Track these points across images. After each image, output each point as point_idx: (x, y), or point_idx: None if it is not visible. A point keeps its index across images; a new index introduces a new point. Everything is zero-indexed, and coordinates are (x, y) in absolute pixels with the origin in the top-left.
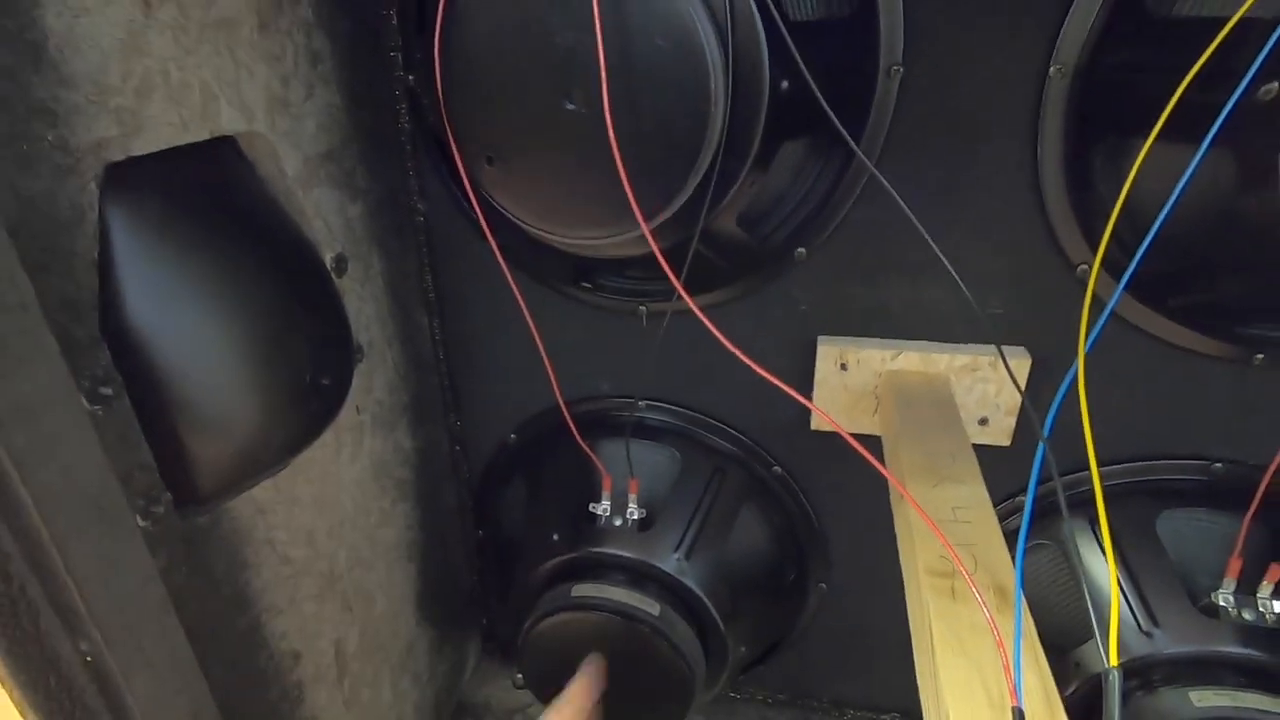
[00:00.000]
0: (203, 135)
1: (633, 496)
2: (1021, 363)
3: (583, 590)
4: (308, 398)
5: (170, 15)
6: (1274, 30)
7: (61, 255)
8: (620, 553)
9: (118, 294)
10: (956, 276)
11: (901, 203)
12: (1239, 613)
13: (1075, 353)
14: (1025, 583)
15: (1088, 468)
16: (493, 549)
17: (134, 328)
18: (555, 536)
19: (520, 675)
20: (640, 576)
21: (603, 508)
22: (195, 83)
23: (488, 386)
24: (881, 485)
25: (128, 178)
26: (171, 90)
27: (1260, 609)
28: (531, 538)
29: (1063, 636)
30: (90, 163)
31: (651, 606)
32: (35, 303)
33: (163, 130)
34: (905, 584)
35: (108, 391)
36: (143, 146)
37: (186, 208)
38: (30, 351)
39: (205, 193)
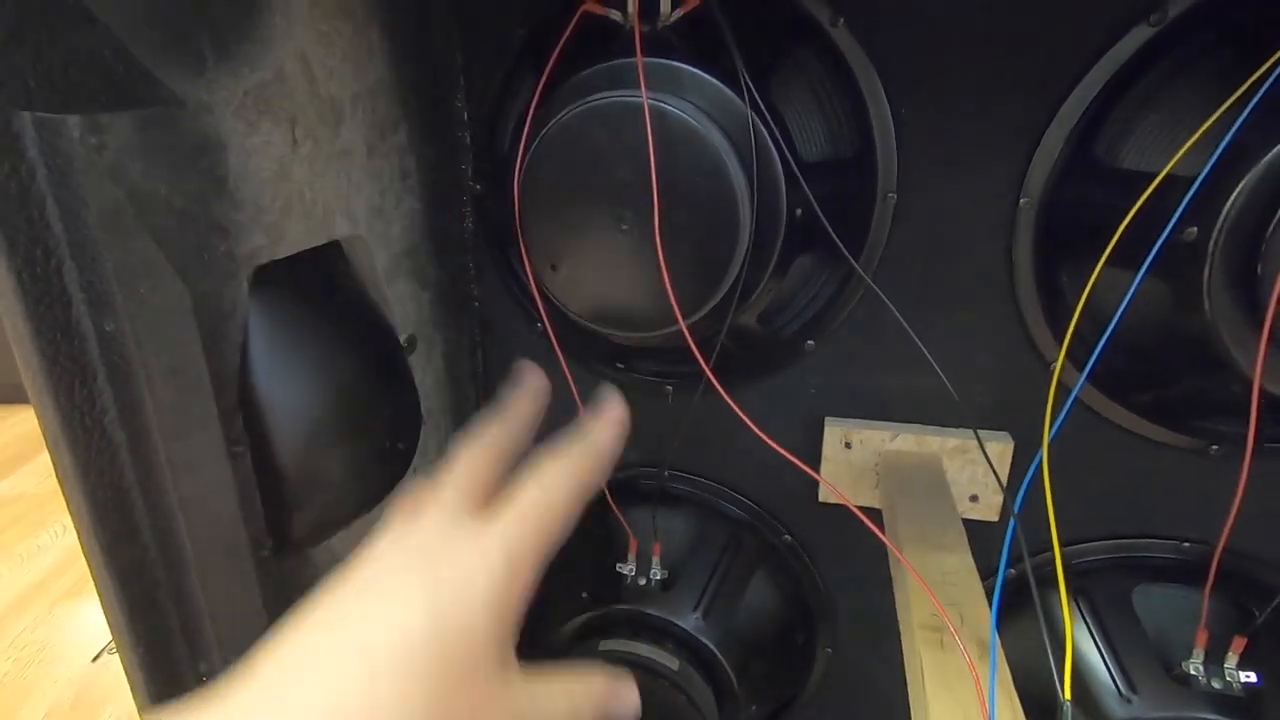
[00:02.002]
0: (321, 240)
1: (656, 559)
2: (1005, 446)
3: (608, 645)
4: (386, 460)
5: (308, 150)
6: (1192, 185)
7: (219, 340)
8: (644, 610)
9: (249, 370)
10: (941, 374)
11: (894, 310)
12: (1209, 682)
13: (1052, 439)
14: (1017, 651)
15: (1065, 543)
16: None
17: (259, 398)
18: (584, 593)
19: None
20: (661, 633)
21: (629, 568)
22: (320, 200)
23: None
24: (880, 554)
25: (266, 277)
26: (305, 208)
27: (1228, 678)
28: (560, 594)
29: (1045, 700)
30: (246, 267)
31: (671, 661)
32: (207, 378)
33: (296, 239)
34: (902, 636)
35: (239, 450)
36: (281, 252)
37: (303, 298)
38: (200, 417)
39: (316, 286)
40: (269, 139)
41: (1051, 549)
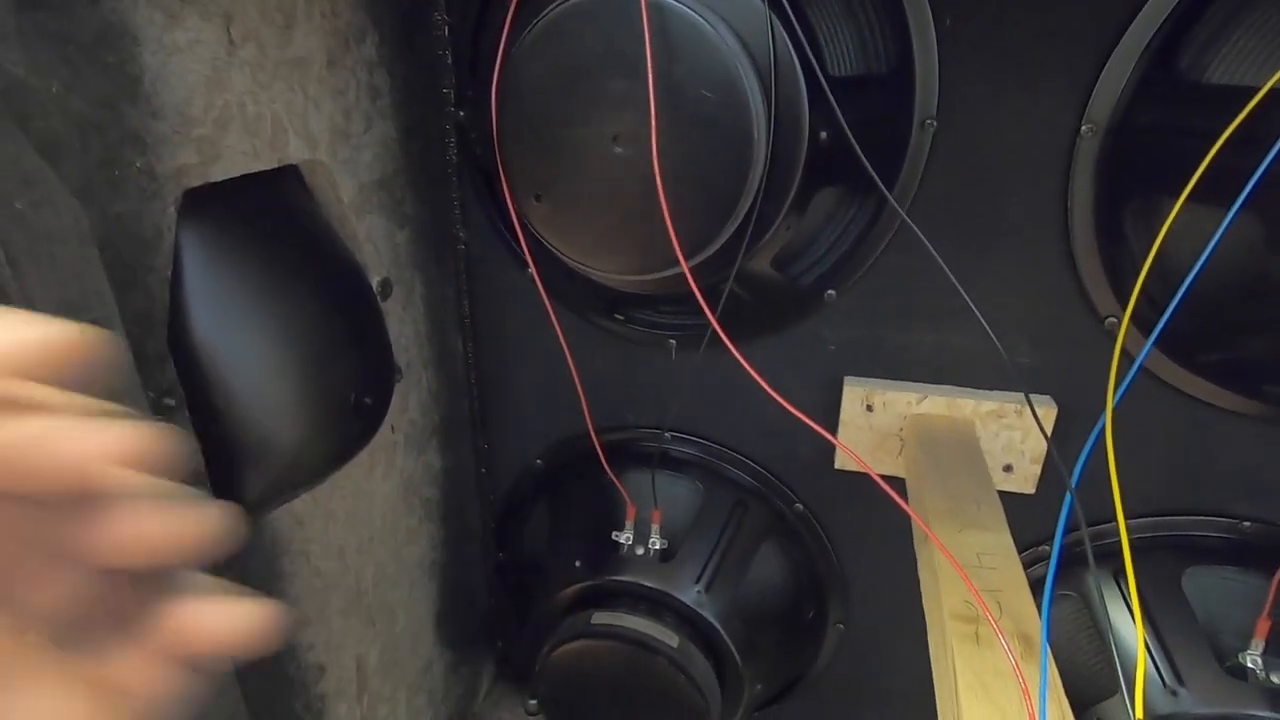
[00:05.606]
0: (271, 164)
1: (655, 526)
2: (1048, 412)
3: (602, 618)
4: (351, 416)
5: (250, 54)
6: None
7: (140, 272)
8: (641, 582)
9: (184, 310)
10: (986, 325)
11: (932, 250)
12: (1267, 675)
13: (1102, 404)
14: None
15: (1111, 519)
16: (512, 572)
17: (196, 343)
18: (577, 562)
19: (533, 701)
20: (659, 607)
21: (625, 536)
22: (268, 115)
23: (517, 411)
24: (902, 527)
25: (201, 201)
26: (247, 122)
27: None
28: (552, 563)
29: (1083, 691)
30: (171, 187)
31: (670, 638)
32: (117, 316)
33: (237, 159)
34: (929, 627)
35: (170, 403)
36: (218, 173)
37: (251, 230)
38: None
39: (268, 216)
40: (197, 36)
41: (1089, 527)
